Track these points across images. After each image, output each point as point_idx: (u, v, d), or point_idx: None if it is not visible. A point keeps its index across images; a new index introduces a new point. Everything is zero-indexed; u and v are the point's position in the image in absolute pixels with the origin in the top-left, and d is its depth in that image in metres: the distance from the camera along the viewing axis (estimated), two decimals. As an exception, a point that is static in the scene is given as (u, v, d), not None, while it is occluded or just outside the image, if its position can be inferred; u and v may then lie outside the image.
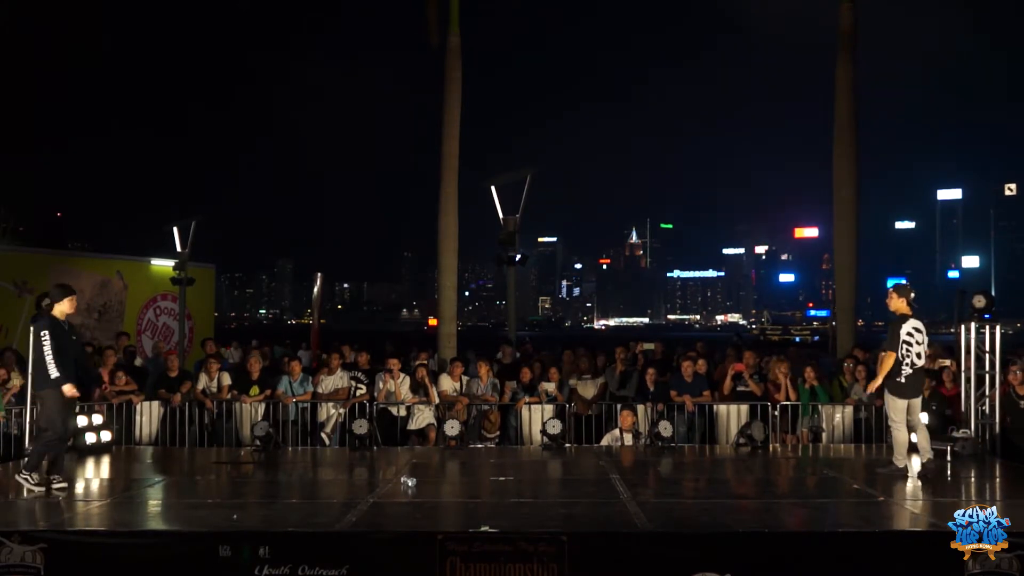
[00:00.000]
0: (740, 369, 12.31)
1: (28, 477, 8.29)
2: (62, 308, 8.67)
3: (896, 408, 9.08)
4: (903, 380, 8.98)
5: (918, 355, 8.97)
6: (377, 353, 14.40)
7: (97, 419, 10.97)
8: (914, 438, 9.20)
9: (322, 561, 6.30)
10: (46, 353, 8.38)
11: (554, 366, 12.93)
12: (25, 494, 8.10)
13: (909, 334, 8.95)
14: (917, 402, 9.20)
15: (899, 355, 8.93)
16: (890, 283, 10.76)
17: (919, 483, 8.65)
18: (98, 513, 7.61)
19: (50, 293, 8.89)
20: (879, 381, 9.12)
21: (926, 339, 9.07)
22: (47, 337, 8.41)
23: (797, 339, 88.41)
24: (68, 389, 8.40)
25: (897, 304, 9.11)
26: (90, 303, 17.31)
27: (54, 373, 8.36)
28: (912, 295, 9.26)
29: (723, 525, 6.88)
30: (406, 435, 12.19)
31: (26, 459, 8.58)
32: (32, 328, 8.90)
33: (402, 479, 8.78)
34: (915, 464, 9.12)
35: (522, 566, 6.25)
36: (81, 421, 10.35)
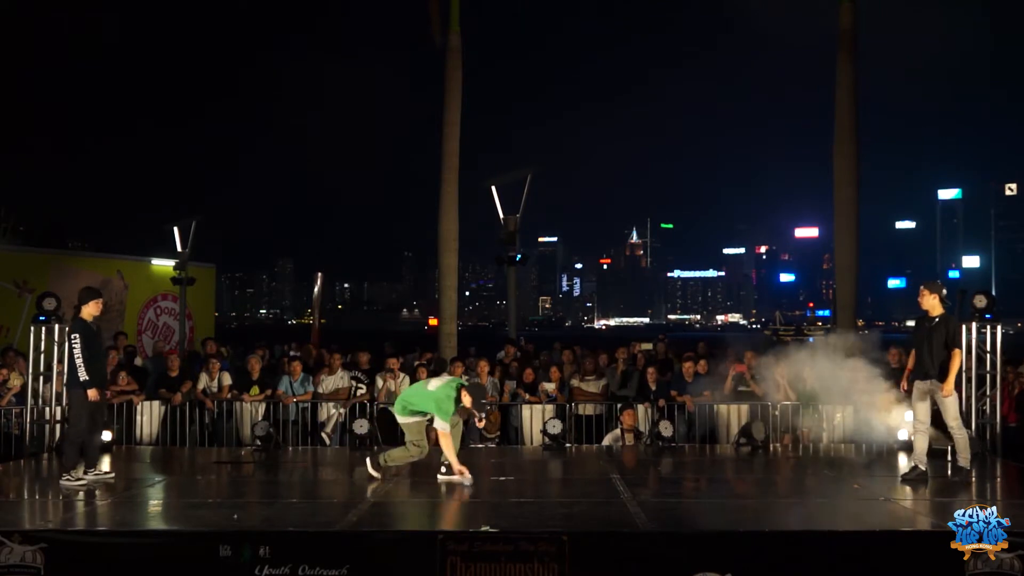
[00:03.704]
0: (741, 370, 12.29)
1: (70, 477, 8.46)
2: (89, 311, 8.81)
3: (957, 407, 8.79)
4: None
5: None
6: (376, 353, 14.38)
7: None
8: (924, 441, 8.99)
9: (322, 561, 6.30)
10: (76, 356, 8.55)
11: (554, 366, 12.92)
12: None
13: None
14: None
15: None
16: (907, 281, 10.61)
17: (920, 483, 8.64)
18: (98, 513, 7.61)
19: (79, 296, 8.97)
20: (952, 382, 8.62)
21: None
22: (78, 340, 8.59)
23: (811, 339, 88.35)
24: (92, 393, 8.65)
25: (930, 302, 8.74)
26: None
27: (83, 376, 8.56)
28: (944, 291, 8.86)
29: (723, 525, 6.89)
30: (406, 435, 12.17)
31: (63, 463, 8.68)
32: (67, 330, 8.97)
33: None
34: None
35: (523, 566, 6.26)
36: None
